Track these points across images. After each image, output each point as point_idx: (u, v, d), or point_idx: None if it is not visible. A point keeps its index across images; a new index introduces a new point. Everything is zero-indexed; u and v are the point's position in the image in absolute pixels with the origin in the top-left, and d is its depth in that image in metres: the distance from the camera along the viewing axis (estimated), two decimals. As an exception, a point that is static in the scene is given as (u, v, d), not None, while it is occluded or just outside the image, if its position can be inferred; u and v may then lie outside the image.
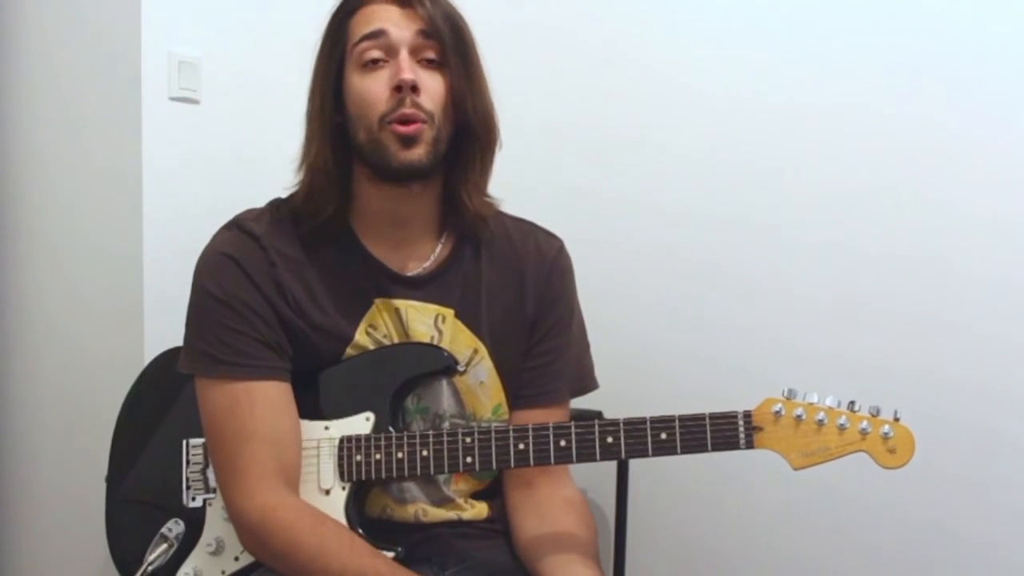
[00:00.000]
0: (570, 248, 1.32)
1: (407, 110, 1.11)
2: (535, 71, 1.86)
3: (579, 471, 1.29)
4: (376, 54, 1.14)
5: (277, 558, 1.12)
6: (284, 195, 1.24)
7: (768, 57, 1.67)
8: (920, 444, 1.06)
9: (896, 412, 1.08)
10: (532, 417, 1.23)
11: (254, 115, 1.82)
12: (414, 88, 1.11)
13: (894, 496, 1.57)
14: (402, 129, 1.11)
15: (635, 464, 1.72)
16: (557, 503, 1.24)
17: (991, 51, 1.50)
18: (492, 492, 1.30)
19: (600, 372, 1.33)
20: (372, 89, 1.13)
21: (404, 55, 1.13)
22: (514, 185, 1.28)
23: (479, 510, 1.27)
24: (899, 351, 1.57)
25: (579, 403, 1.32)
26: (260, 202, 1.25)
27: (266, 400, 1.14)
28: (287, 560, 1.11)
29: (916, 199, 1.56)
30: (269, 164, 1.81)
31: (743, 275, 1.71)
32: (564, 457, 1.13)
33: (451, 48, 1.14)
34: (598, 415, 1.56)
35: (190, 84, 1.70)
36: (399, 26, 1.14)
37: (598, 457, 1.12)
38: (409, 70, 1.12)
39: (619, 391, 1.39)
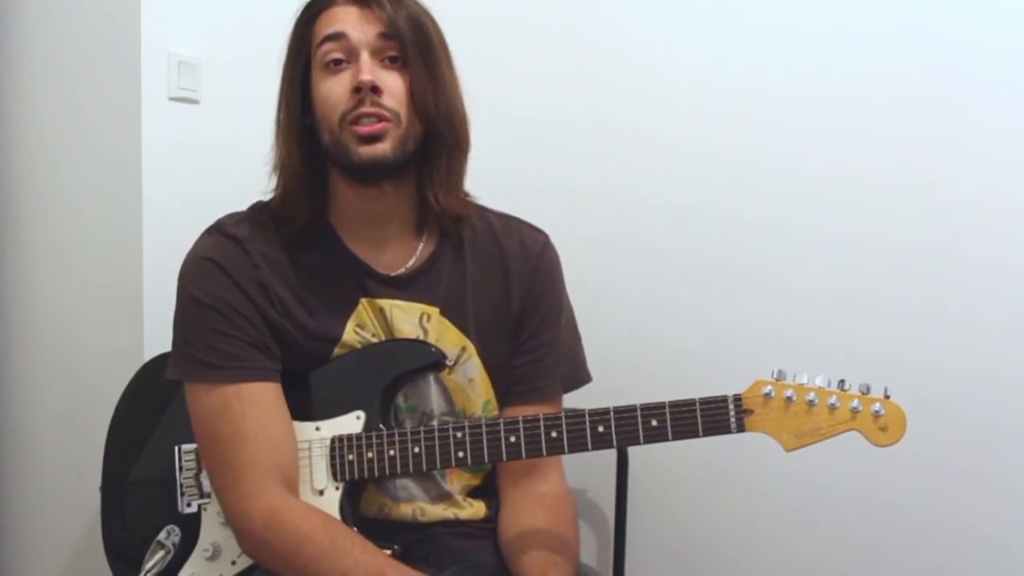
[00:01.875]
0: (559, 243, 1.31)
1: (366, 108, 1.12)
2: (522, 65, 1.85)
3: (579, 470, 1.28)
4: (337, 56, 1.14)
5: (284, 558, 1.11)
6: (265, 199, 1.24)
7: (760, 48, 1.66)
8: (920, 435, 1.06)
9: (886, 389, 1.07)
10: (524, 413, 1.22)
11: (254, 115, 1.78)
12: (374, 89, 1.12)
13: (895, 489, 1.57)
14: (362, 130, 1.12)
15: (634, 462, 1.71)
16: (529, 498, 1.24)
17: (993, 42, 1.49)
18: (490, 491, 1.30)
19: (590, 368, 1.33)
20: (334, 91, 1.14)
21: (364, 56, 1.13)
22: (501, 180, 1.28)
23: (476, 509, 1.27)
24: (896, 343, 1.56)
25: (569, 403, 1.32)
26: (260, 202, 1.25)
27: (257, 402, 1.14)
28: (295, 559, 1.09)
29: (911, 190, 1.55)
30: (269, 164, 1.81)
31: (735, 269, 1.69)
32: (556, 448, 1.13)
33: (412, 48, 1.14)
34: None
35: (190, 84, 1.70)
36: (358, 28, 1.14)
37: (590, 446, 1.12)
38: (368, 71, 1.12)
39: (609, 387, 1.38)
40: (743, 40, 1.67)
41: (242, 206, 1.25)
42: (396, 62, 1.15)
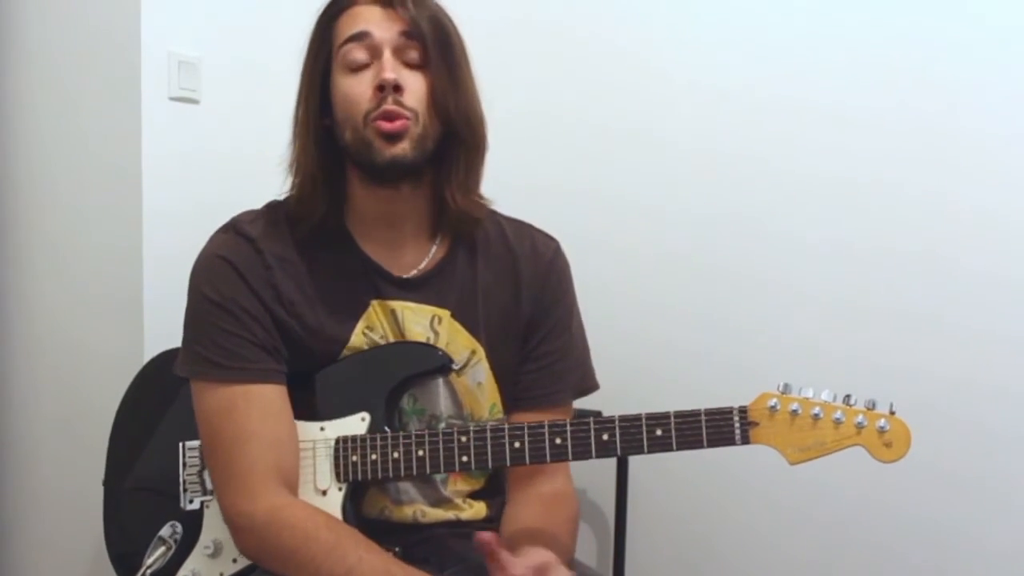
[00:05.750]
0: (568, 245, 1.31)
1: (389, 107, 1.12)
2: (532, 67, 1.85)
3: (579, 470, 1.29)
4: (360, 55, 1.15)
5: (286, 557, 1.10)
6: (281, 198, 1.24)
7: (766, 52, 1.67)
8: (920, 441, 1.06)
9: (892, 405, 1.07)
10: (534, 419, 1.22)
11: (254, 115, 1.82)
12: (396, 88, 1.12)
13: (893, 493, 1.57)
14: (386, 126, 1.12)
15: (635, 462, 1.72)
16: (531, 497, 1.24)
17: (993, 47, 1.50)
18: (491, 492, 1.30)
19: (599, 371, 1.33)
20: (356, 89, 1.14)
21: (387, 55, 1.14)
22: (510, 182, 1.28)
23: (477, 510, 1.28)
24: (898, 347, 1.57)
25: (578, 404, 1.32)
26: (260, 202, 1.25)
27: (263, 403, 1.14)
28: (296, 557, 1.09)
29: (916, 196, 1.56)
30: (269, 164, 1.79)
31: (740, 272, 1.70)
32: (560, 455, 1.13)
33: (433, 49, 1.15)
34: (596, 415, 1.56)
35: (190, 84, 1.70)
36: (381, 27, 1.15)
37: (594, 454, 1.12)
38: (391, 70, 1.13)
39: (618, 390, 1.39)
40: (757, 46, 1.68)
41: (242, 206, 1.25)
42: (416, 64, 1.16)
